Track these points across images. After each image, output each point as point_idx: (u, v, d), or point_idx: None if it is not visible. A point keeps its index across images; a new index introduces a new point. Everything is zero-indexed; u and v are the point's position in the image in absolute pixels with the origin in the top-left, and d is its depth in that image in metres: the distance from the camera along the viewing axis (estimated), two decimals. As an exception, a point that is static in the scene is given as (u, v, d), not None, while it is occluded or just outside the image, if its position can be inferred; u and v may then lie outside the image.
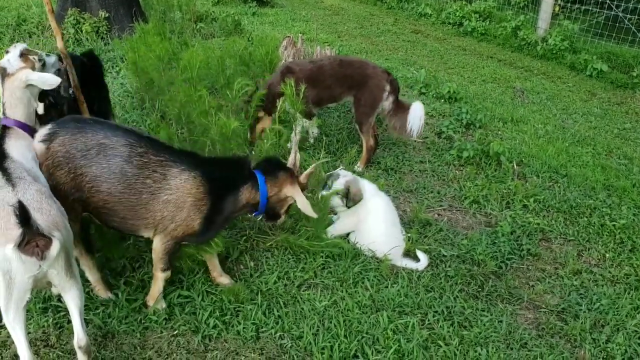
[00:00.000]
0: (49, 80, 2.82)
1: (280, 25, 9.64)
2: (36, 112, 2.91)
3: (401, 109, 4.82)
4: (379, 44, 9.34)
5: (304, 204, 3.12)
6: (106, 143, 2.73)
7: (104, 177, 2.72)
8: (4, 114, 2.77)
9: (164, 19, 7.55)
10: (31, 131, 2.82)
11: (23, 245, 2.15)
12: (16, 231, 2.16)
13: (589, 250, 4.08)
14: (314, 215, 3.19)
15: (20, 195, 2.29)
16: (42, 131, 2.76)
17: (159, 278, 3.00)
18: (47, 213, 2.30)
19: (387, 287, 3.40)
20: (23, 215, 2.09)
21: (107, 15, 7.10)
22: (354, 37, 9.55)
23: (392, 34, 10.10)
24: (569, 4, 9.72)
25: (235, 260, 3.53)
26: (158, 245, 2.92)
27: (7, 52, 2.88)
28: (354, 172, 4.62)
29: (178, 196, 2.81)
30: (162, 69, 4.89)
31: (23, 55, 2.89)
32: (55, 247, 2.23)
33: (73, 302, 2.42)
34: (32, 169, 2.60)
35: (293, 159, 3.35)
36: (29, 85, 2.81)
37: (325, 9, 11.67)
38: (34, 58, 2.93)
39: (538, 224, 4.28)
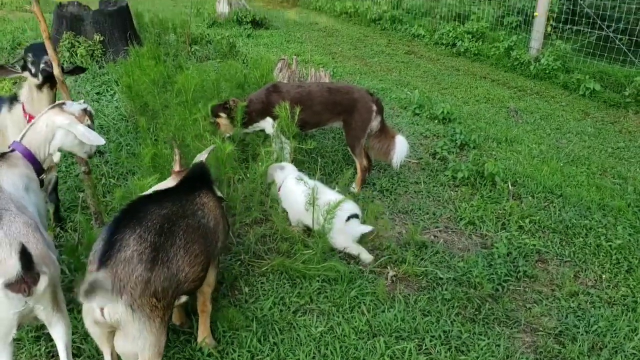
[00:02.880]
0: (92, 137, 2.85)
1: (275, 47, 9.71)
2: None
3: (385, 134, 4.90)
4: (372, 65, 9.40)
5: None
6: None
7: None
8: (21, 138, 2.78)
9: (158, 42, 7.60)
10: (37, 165, 2.82)
11: (11, 282, 2.11)
12: (2, 267, 2.11)
13: (585, 271, 4.06)
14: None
15: (6, 229, 2.23)
16: None
17: (210, 310, 2.99)
18: (34, 247, 2.24)
19: (383, 311, 3.37)
20: (26, 260, 2.06)
21: (101, 38, 7.15)
22: (348, 59, 9.61)
23: (385, 55, 10.17)
24: (560, 25, 9.81)
25: (229, 285, 3.50)
26: (212, 277, 2.89)
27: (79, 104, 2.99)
28: (349, 193, 4.63)
29: (215, 214, 2.83)
30: (157, 93, 4.90)
31: (85, 111, 2.95)
32: (43, 283, 2.19)
33: (59, 336, 2.38)
34: (20, 199, 2.54)
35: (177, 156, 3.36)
36: (61, 131, 2.82)
37: (320, 31, 11.76)
38: (88, 120, 2.97)
39: (534, 245, 4.27)
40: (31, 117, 3.38)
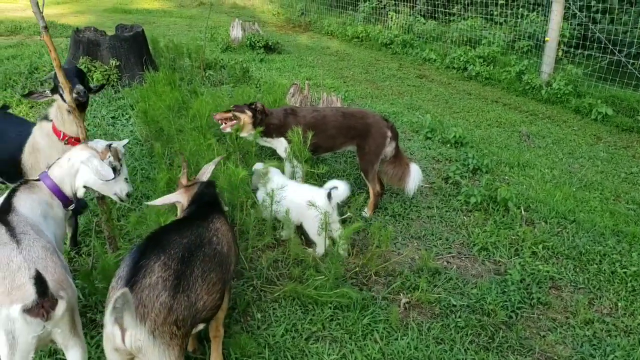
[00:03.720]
0: (103, 172, 2.88)
1: (287, 71, 9.80)
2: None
3: (400, 161, 4.94)
4: (384, 88, 9.46)
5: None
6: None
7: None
8: (48, 168, 2.83)
9: (173, 67, 7.71)
10: (62, 196, 2.85)
11: (30, 308, 2.13)
12: (21, 292, 2.14)
13: (600, 298, 4.02)
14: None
15: (25, 253, 2.27)
16: None
17: (222, 335, 3.00)
18: (52, 271, 2.28)
19: (396, 339, 3.35)
20: (41, 286, 2.08)
21: (117, 63, 7.26)
22: (360, 82, 9.68)
23: (397, 78, 10.24)
24: (572, 49, 9.85)
25: (242, 311, 3.50)
26: (225, 302, 2.89)
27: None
28: (362, 218, 4.65)
29: (227, 238, 2.85)
30: (172, 118, 4.96)
31: (110, 147, 3.00)
32: (61, 308, 2.21)
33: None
34: (37, 224, 2.58)
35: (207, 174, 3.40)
36: (83, 166, 2.87)
37: (331, 55, 11.87)
38: (110, 156, 3.00)
39: (548, 271, 4.24)
40: (64, 135, 3.46)
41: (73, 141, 3.47)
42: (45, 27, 2.91)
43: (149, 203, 3.22)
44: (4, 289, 2.17)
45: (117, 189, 3.09)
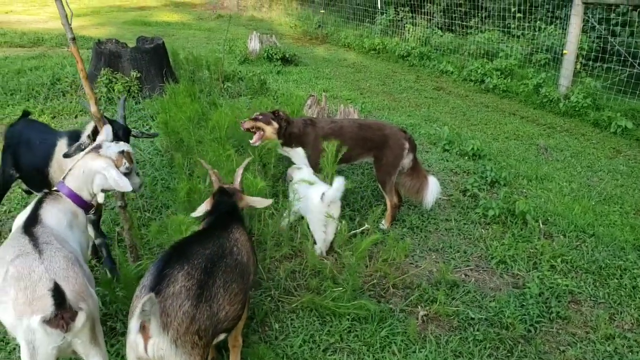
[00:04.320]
0: (121, 184, 2.86)
1: (304, 83, 9.87)
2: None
3: (417, 173, 4.93)
4: (401, 100, 9.48)
5: (258, 202, 3.36)
6: None
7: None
8: (64, 179, 2.84)
9: (193, 79, 7.81)
10: (81, 202, 2.86)
11: (50, 319, 2.15)
12: (42, 303, 2.16)
13: (621, 313, 3.98)
14: (269, 201, 3.40)
15: (47, 264, 2.28)
16: None
17: (241, 345, 3.02)
18: (73, 282, 2.29)
19: (415, 352, 3.35)
20: (59, 297, 2.10)
21: (138, 75, 7.37)
22: (377, 94, 9.71)
23: (414, 90, 10.26)
24: (590, 62, 9.80)
25: (260, 321, 3.52)
26: (245, 312, 2.90)
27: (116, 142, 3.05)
28: (379, 230, 4.66)
29: (247, 248, 2.88)
30: (192, 129, 5.02)
31: (123, 153, 2.99)
32: (80, 320, 2.23)
33: None
34: (62, 235, 2.60)
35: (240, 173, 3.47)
36: (99, 175, 2.87)
37: (348, 67, 11.93)
38: (125, 162, 3.00)
39: (567, 285, 4.20)
40: None
41: None
42: (73, 39, 2.98)
43: (193, 215, 3.28)
44: (25, 299, 2.19)
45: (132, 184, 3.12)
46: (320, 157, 4.53)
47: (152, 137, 4.08)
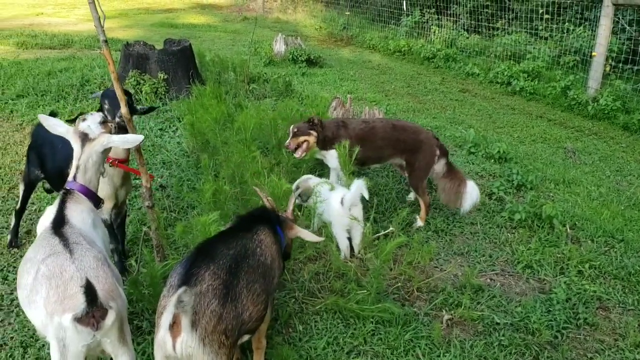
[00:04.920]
0: (131, 140, 2.91)
1: (329, 84, 9.88)
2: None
3: (455, 177, 4.93)
4: (426, 102, 9.43)
5: (309, 236, 3.30)
6: None
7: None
8: (74, 177, 2.85)
9: (219, 80, 7.87)
10: (94, 198, 2.89)
11: (81, 317, 2.17)
12: (73, 301, 2.19)
13: (651, 321, 3.90)
14: (320, 239, 3.37)
15: (78, 263, 2.31)
16: None
17: (265, 346, 3.04)
18: (103, 281, 2.32)
19: (439, 356, 3.33)
20: (91, 294, 2.12)
21: (165, 76, 7.45)
22: (401, 96, 9.67)
23: (439, 92, 10.20)
24: (620, 64, 9.63)
25: (284, 323, 3.54)
26: (268, 313, 2.91)
27: (83, 119, 3.03)
28: (415, 227, 4.82)
29: (271, 250, 2.89)
30: (218, 130, 5.07)
31: (103, 122, 3.03)
32: (110, 318, 2.25)
33: None
34: (89, 235, 2.63)
35: (292, 203, 3.50)
36: (105, 150, 2.91)
37: (373, 69, 11.91)
38: (110, 124, 3.06)
39: (594, 291, 4.13)
40: (108, 158, 3.53)
41: (117, 163, 3.57)
42: (105, 41, 3.03)
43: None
44: (57, 297, 2.22)
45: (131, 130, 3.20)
46: (358, 157, 4.61)
47: (148, 111, 4.07)
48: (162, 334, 2.24)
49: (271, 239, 2.96)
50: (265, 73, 9.35)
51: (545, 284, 4.24)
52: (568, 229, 4.91)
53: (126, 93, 3.73)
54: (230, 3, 22.67)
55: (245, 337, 2.66)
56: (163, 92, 7.40)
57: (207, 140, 5.20)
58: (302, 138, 4.75)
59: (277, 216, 3.24)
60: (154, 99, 7.29)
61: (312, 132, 4.75)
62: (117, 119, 3.49)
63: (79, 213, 2.70)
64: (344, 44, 15.02)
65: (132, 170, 3.71)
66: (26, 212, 4.52)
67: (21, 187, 4.19)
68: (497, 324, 3.69)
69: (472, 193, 4.86)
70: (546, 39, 11.42)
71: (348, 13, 16.28)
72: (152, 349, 2.39)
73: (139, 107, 3.94)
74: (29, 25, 14.38)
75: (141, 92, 7.21)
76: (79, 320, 2.18)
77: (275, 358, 3.14)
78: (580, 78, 9.86)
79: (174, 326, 2.23)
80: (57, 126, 2.95)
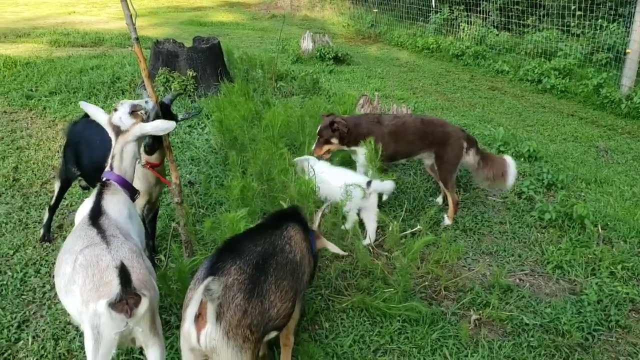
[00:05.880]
0: (163, 127, 2.94)
1: (356, 82, 9.85)
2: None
3: (491, 160, 4.98)
4: (454, 100, 9.34)
5: (334, 248, 3.36)
6: None
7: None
8: (110, 167, 2.89)
9: (247, 78, 7.91)
10: (130, 188, 2.94)
11: (115, 302, 2.21)
12: (109, 288, 2.22)
13: (685, 325, 3.81)
14: (343, 253, 3.46)
15: (114, 254, 2.36)
16: None
17: (292, 344, 3.04)
18: (137, 271, 2.35)
19: (466, 356, 3.30)
20: (125, 277, 2.15)
21: (194, 74, 7.52)
22: (429, 94, 9.60)
23: (468, 90, 10.09)
24: (655, 61, 9.39)
25: (310, 320, 3.54)
26: (297, 310, 2.91)
27: (114, 110, 3.04)
28: (444, 225, 4.83)
29: (301, 247, 2.89)
30: (246, 127, 5.10)
31: (133, 112, 3.04)
32: (144, 305, 2.28)
33: (155, 359, 2.47)
34: (125, 227, 2.68)
35: (319, 216, 3.48)
36: (139, 138, 2.95)
37: (401, 66, 11.84)
38: (141, 112, 3.05)
39: (627, 293, 4.04)
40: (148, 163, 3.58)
41: (149, 167, 3.60)
42: (137, 39, 3.07)
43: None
44: (93, 285, 2.27)
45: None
46: (389, 152, 4.73)
47: (196, 115, 4.09)
48: (188, 326, 2.26)
49: (301, 236, 2.95)
50: (292, 70, 9.37)
51: (575, 285, 4.17)
52: (600, 230, 4.82)
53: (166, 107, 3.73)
54: (259, 1, 22.77)
55: (273, 334, 2.67)
56: (192, 90, 7.47)
57: (235, 137, 5.24)
58: (325, 147, 4.81)
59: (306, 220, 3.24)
60: (183, 95, 7.36)
61: (333, 140, 4.78)
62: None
63: (115, 204, 2.75)
64: (371, 42, 14.97)
65: (162, 179, 3.72)
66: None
67: (57, 184, 4.27)
68: (526, 324, 3.63)
69: (511, 167, 4.95)
70: (578, 35, 11.20)
71: (376, 10, 16.21)
72: (180, 342, 2.41)
73: (179, 115, 3.96)
74: (61, 24, 14.66)
75: (170, 89, 7.29)
76: (113, 306, 2.21)
77: (302, 355, 3.15)
78: (614, 76, 9.65)
79: (199, 318, 2.25)
80: (99, 113, 3.03)
